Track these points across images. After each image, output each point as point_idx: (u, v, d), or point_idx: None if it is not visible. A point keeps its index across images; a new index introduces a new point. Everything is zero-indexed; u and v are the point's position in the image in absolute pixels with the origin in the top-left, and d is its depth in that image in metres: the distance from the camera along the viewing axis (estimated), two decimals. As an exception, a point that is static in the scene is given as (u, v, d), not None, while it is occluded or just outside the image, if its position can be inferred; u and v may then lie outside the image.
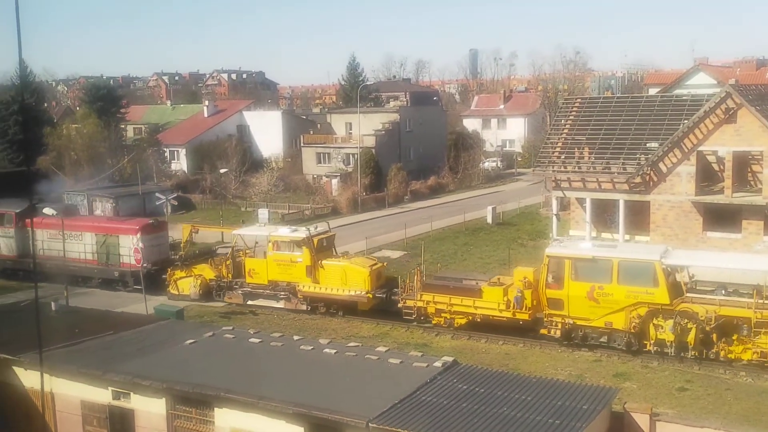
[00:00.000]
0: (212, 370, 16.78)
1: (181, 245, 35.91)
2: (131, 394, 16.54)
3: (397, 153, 69.97)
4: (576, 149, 41.07)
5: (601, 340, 25.24)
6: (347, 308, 30.15)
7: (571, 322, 25.21)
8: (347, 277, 29.73)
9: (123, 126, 77.52)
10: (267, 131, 77.17)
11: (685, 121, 37.05)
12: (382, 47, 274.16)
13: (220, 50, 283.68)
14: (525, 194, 60.96)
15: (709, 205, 36.73)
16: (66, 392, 17.40)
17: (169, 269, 33.84)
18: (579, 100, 46.43)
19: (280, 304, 31.53)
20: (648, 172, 37.90)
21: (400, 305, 28.61)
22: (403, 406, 14.08)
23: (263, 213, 52.84)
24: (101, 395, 16.94)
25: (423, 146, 72.97)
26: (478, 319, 27.13)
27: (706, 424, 15.59)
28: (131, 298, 32.33)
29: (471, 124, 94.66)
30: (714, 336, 23.28)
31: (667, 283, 23.82)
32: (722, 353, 23.28)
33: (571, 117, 43.55)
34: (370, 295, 29.40)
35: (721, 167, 37.51)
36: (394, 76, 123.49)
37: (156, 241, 35.64)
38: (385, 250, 42.16)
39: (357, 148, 64.05)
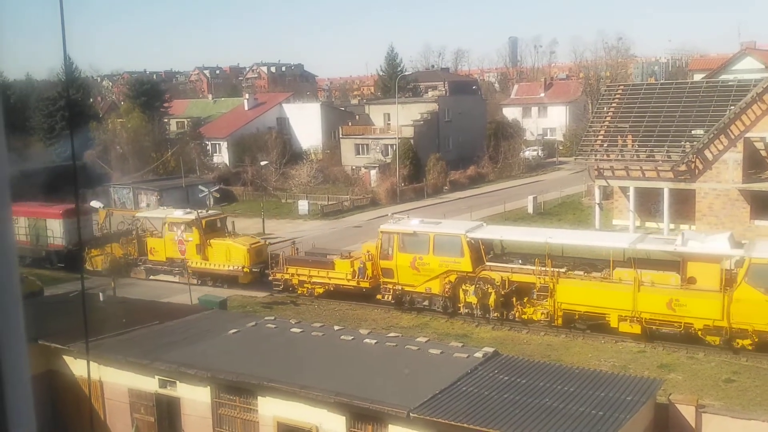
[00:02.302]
0: (255, 360, 17.04)
1: (98, 226, 38.96)
2: (177, 382, 16.89)
3: (436, 143, 69.71)
4: (619, 137, 40.47)
5: (424, 303, 28.70)
6: (230, 281, 33.32)
7: (401, 288, 28.79)
8: (230, 254, 33.27)
9: (166, 120, 78.90)
10: (306, 123, 77.65)
11: (732, 107, 36.20)
12: (421, 37, 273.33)
13: (260, 43, 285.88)
14: (567, 183, 60.21)
15: (756, 193, 35.87)
16: (114, 380, 17.86)
17: (86, 248, 37.08)
18: (622, 87, 45.69)
19: (176, 279, 34.79)
20: (693, 160, 37.16)
21: (270, 278, 32.07)
22: (443, 396, 14.10)
23: (303, 205, 53.30)
24: (148, 384, 17.35)
25: (462, 136, 72.56)
26: (332, 288, 30.64)
27: (753, 416, 15.28)
28: (176, 289, 32.97)
29: (511, 112, 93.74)
30: (514, 299, 26.53)
31: (471, 254, 27.13)
32: (517, 314, 26.51)
33: (613, 104, 42.93)
34: (247, 270, 32.87)
35: (770, 154, 36.53)
36: (433, 66, 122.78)
37: (80, 224, 38.54)
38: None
39: (395, 138, 63.99)
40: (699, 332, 23.46)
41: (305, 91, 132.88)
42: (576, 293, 25.16)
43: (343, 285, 30.26)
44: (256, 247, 33.61)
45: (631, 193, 39.27)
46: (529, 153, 79.07)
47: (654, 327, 24.13)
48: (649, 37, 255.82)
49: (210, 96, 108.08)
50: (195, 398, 16.68)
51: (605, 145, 40.54)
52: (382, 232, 29.44)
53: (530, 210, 49.26)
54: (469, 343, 22.84)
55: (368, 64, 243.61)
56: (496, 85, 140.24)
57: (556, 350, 24.35)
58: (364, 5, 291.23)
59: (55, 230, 37.70)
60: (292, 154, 68.55)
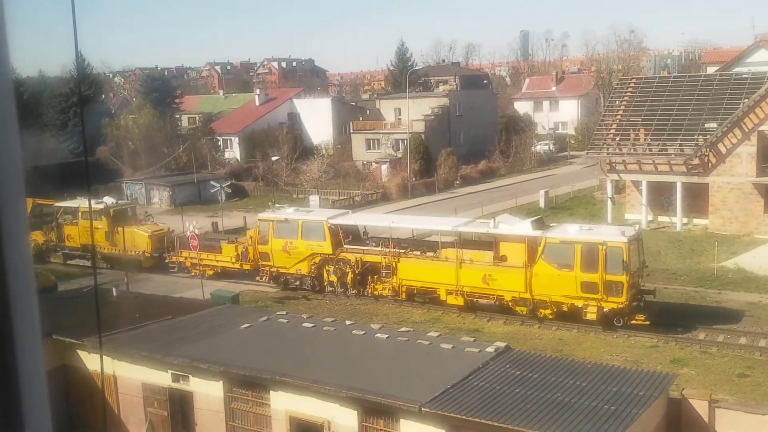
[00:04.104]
0: (267, 354, 17.11)
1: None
2: (190, 377, 16.99)
3: (447, 138, 69.55)
4: (631, 131, 40.30)
5: (296, 283, 31.70)
6: (132, 266, 34.70)
7: (276, 270, 31.86)
8: (135, 240, 36.20)
9: (178, 116, 79.11)
10: (317, 118, 77.66)
11: (746, 100, 35.94)
12: (431, 31, 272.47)
13: (270, 39, 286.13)
14: (578, 178, 59.90)
15: (771, 187, 35.61)
16: (128, 375, 17.98)
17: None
18: (634, 80, 45.45)
19: (89, 263, 37.60)
20: (706, 154, 36.94)
21: (167, 261, 35.31)
22: (455, 391, 14.11)
23: (314, 200, 53.34)
24: (161, 378, 17.46)
25: (473, 130, 72.34)
26: (219, 270, 33.74)
27: (768, 411, 15.16)
28: (188, 284, 33.16)
29: (522, 106, 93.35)
30: (369, 277, 29.63)
31: (332, 238, 30.22)
32: (370, 290, 29.60)
33: (625, 98, 42.71)
34: (148, 254, 35.82)
35: (785, 147, 36.24)
36: (444, 60, 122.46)
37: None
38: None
39: (406, 133, 63.91)
40: (509, 303, 26.67)
41: (316, 86, 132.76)
42: (413, 271, 28.56)
43: (228, 267, 33.61)
44: (157, 234, 36.84)
45: (644, 187, 39.08)
46: (540, 147, 78.71)
47: (474, 299, 27.61)
48: (661, 29, 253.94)
49: (221, 91, 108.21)
50: (208, 392, 16.78)
51: (617, 138, 40.37)
52: (260, 219, 32.92)
53: (542, 204, 49.02)
54: (480, 337, 22.81)
55: (378, 59, 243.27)
56: (508, 79, 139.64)
57: (568, 345, 24.30)
58: None
59: None
60: (303, 150, 68.58)
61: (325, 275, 30.58)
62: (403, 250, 29.13)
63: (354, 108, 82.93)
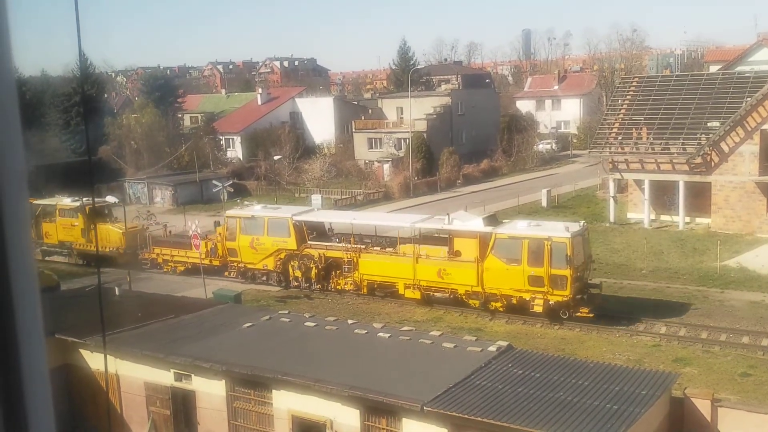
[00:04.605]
0: (269, 353, 17.12)
1: None
2: (192, 376, 17.01)
3: (449, 137, 69.51)
4: (634, 130, 40.29)
5: (263, 279, 32.50)
6: (107, 262, 35.50)
7: (243, 265, 32.71)
8: (110, 237, 36.91)
9: (180, 115, 79.20)
10: (319, 118, 77.66)
11: (748, 99, 35.91)
12: (433, 30, 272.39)
13: (273, 38, 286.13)
14: (581, 177, 59.82)
15: (774, 186, 35.56)
16: (130, 374, 18.01)
17: None
18: (636, 79, 45.41)
19: (66, 260, 38.61)
20: (709, 152, 36.91)
21: (140, 257, 36.04)
22: (457, 390, 14.11)
23: (316, 199, 53.36)
24: (164, 377, 17.48)
25: (475, 129, 72.29)
26: (190, 266, 34.16)
27: (770, 410, 15.14)
28: (191, 284, 33.17)
29: (524, 105, 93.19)
30: (333, 273, 30.44)
31: (296, 234, 31.02)
32: (333, 285, 30.42)
33: (628, 97, 42.69)
34: (122, 251, 36.27)
35: (787, 146, 36.18)
36: (446, 59, 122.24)
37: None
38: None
39: (408, 132, 63.89)
40: (462, 296, 27.49)
41: (318, 85, 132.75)
42: (373, 266, 29.37)
43: (198, 263, 33.50)
44: (131, 231, 37.47)
45: (646, 186, 39.06)
46: (542, 146, 78.61)
47: (430, 293, 28.35)
48: (664, 28, 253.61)
49: (223, 91, 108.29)
50: (210, 391, 16.80)
51: (620, 137, 40.35)
52: (227, 216, 33.67)
53: (544, 203, 48.96)
54: (482, 336, 22.79)
55: (381, 58, 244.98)
56: (510, 78, 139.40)
57: (571, 344, 24.29)
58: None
59: None
60: (305, 149, 68.61)
61: (291, 270, 31.41)
62: (364, 246, 29.91)
63: (356, 107, 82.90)
